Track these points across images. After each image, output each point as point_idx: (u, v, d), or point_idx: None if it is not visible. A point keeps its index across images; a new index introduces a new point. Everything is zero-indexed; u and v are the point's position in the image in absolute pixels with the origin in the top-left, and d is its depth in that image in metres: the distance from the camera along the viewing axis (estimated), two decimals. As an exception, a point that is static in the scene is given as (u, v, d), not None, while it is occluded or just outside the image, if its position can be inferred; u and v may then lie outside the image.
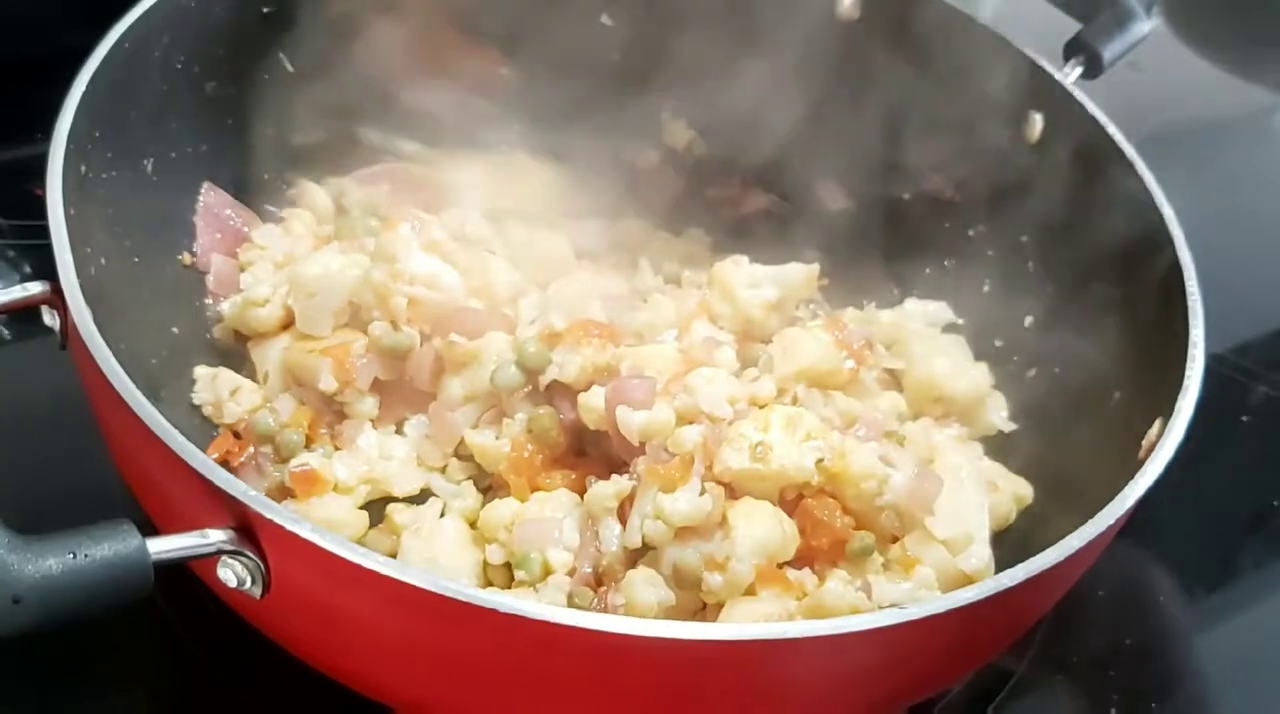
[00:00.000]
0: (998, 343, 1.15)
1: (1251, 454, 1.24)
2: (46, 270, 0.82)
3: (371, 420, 1.02)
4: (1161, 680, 1.05)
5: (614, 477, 0.92)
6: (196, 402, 1.02)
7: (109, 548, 0.65)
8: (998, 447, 1.08)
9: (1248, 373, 1.28)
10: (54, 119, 0.90)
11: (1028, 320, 1.13)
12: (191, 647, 0.95)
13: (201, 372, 1.03)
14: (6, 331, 1.15)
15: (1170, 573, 1.13)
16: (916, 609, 0.71)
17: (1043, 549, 0.76)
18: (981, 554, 0.92)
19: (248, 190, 1.14)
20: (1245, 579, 1.16)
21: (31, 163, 1.28)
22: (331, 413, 1.02)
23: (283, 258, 1.09)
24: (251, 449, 0.99)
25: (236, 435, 1.01)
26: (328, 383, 0.99)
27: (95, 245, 0.90)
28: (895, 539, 0.93)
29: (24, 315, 0.84)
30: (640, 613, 0.84)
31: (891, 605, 0.71)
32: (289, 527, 0.69)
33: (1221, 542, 1.18)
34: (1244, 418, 1.26)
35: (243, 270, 1.09)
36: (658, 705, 0.72)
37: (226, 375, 1.03)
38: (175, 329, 1.03)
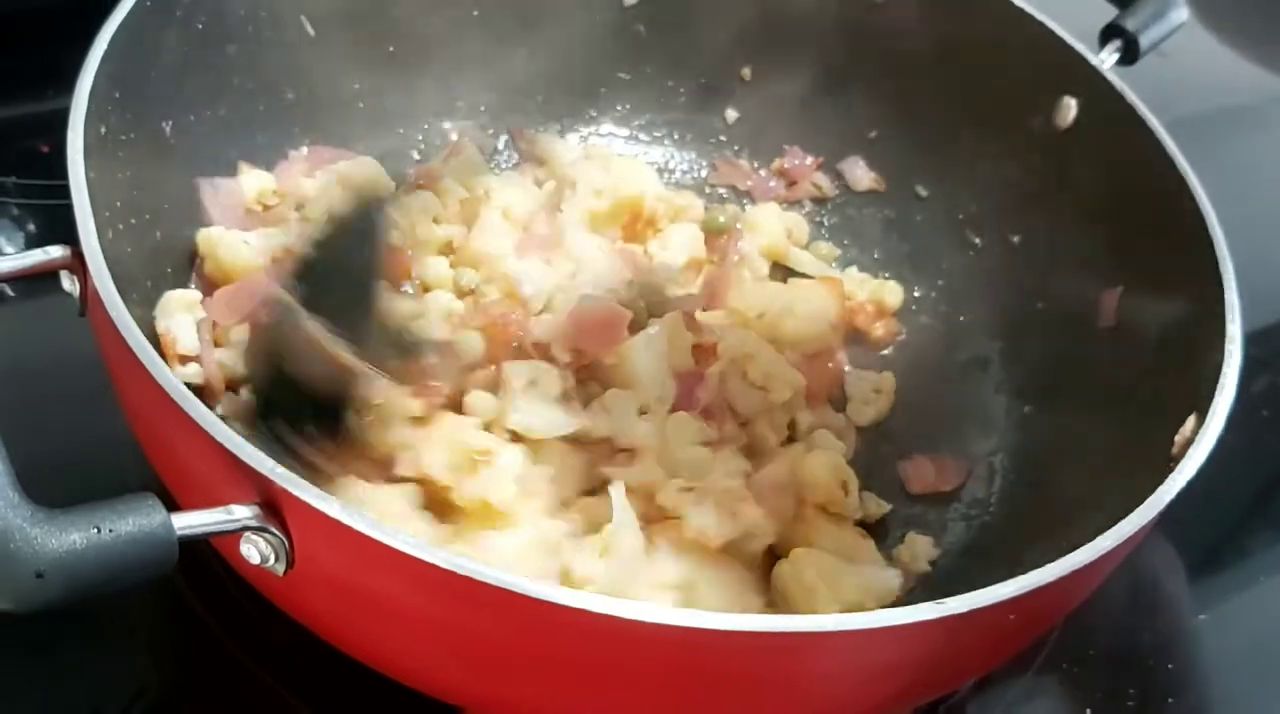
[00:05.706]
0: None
1: (1268, 445, 1.23)
2: (53, 229, 0.80)
3: None
4: (1177, 675, 1.05)
5: None
6: None
7: (133, 523, 0.64)
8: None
9: (1264, 364, 1.27)
10: (62, 75, 0.87)
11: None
12: (203, 616, 0.93)
13: None
14: (10, 290, 1.13)
15: (1182, 565, 1.13)
16: (951, 604, 0.70)
17: (1058, 545, 0.75)
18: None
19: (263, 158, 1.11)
20: (1255, 567, 1.15)
21: (38, 119, 1.26)
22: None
23: None
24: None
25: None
26: None
27: (113, 210, 0.88)
28: None
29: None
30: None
31: None
32: (316, 504, 0.67)
33: (1233, 532, 1.18)
34: (1264, 412, 1.25)
35: None
36: (680, 695, 0.71)
37: None
38: (194, 300, 1.01)
